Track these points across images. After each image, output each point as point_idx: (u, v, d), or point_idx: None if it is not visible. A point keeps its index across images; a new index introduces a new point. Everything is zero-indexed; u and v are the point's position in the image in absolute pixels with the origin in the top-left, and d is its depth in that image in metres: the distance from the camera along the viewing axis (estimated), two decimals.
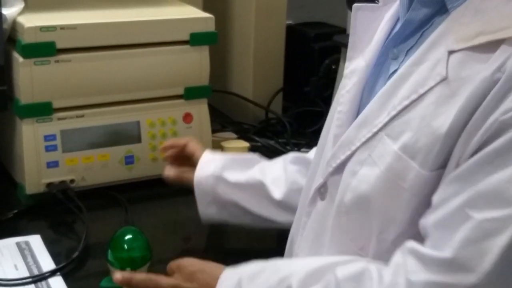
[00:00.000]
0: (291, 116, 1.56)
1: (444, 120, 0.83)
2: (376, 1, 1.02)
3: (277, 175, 1.22)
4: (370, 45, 0.97)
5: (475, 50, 0.83)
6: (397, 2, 0.99)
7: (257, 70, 1.64)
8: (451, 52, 0.85)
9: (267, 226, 1.23)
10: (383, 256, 0.89)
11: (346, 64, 1.00)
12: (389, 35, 0.98)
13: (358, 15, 1.00)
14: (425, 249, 0.82)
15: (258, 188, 1.22)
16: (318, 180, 0.97)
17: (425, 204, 0.86)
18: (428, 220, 0.83)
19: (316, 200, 0.97)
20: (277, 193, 1.21)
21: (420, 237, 0.86)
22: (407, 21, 0.92)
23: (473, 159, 0.80)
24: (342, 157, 0.92)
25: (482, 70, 0.81)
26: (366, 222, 0.90)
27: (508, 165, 0.78)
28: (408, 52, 0.91)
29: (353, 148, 0.91)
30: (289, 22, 1.67)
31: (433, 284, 0.80)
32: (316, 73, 1.59)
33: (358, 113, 0.95)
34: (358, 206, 0.90)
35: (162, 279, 1.01)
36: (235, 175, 1.24)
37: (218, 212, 1.24)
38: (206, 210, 1.25)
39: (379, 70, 0.95)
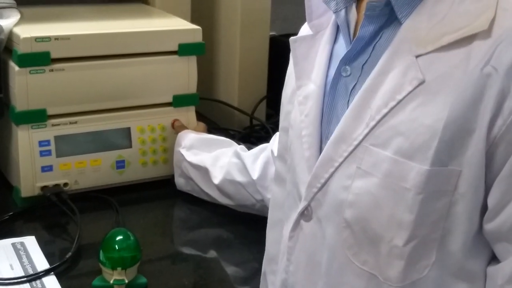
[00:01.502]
0: (274, 122, 1.57)
1: (438, 116, 0.82)
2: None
3: (221, 163, 1.32)
4: (315, 69, 0.97)
5: (443, 49, 0.84)
6: (329, 27, 0.99)
7: (242, 79, 1.66)
8: (418, 56, 0.85)
9: (220, 203, 1.35)
10: (391, 263, 0.88)
11: (298, 92, 1.00)
12: (330, 56, 0.97)
13: (296, 46, 1.01)
14: None
15: (205, 172, 1.32)
16: (300, 205, 0.95)
17: (431, 202, 0.85)
18: (494, 225, 0.83)
19: (299, 224, 0.96)
20: (215, 179, 1.31)
21: (434, 238, 0.85)
22: (358, 39, 0.92)
23: None
24: (326, 175, 0.91)
25: (460, 66, 0.82)
26: (371, 233, 0.89)
27: None
28: (363, 67, 0.91)
29: (336, 164, 0.90)
30: (273, 33, 1.69)
31: None
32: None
33: (321, 133, 0.95)
34: (361, 219, 0.89)
35: None
36: (194, 157, 1.35)
37: (185, 184, 1.38)
38: (178, 180, 1.39)
39: (335, 90, 0.95)
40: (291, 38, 1.01)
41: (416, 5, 0.87)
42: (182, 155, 1.36)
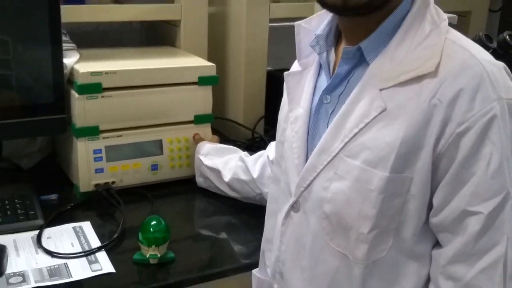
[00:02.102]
0: (270, 135, 1.56)
1: (395, 136, 0.82)
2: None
3: (230, 166, 1.32)
4: (303, 97, 0.97)
5: (401, 85, 0.83)
6: (314, 65, 0.99)
7: (246, 103, 1.66)
8: (382, 90, 0.84)
9: (230, 196, 1.34)
10: (358, 246, 0.87)
11: (290, 114, 0.99)
12: (314, 87, 0.97)
13: (289, 79, 1.01)
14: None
15: (218, 173, 1.32)
16: (290, 200, 0.95)
17: (389, 200, 0.84)
18: (438, 219, 0.83)
19: (290, 214, 0.96)
20: (226, 178, 1.31)
21: (391, 227, 0.85)
22: (336, 75, 0.93)
23: (453, 167, 0.81)
24: (311, 178, 0.92)
25: (414, 98, 0.81)
26: (344, 224, 0.88)
27: (479, 164, 0.79)
28: (340, 96, 0.91)
29: (318, 170, 0.90)
30: (269, 68, 1.69)
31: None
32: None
33: (307, 146, 0.95)
34: (337, 213, 0.88)
35: None
36: (210, 161, 1.35)
37: (203, 182, 1.37)
38: (198, 179, 1.39)
39: (318, 113, 0.95)
40: (285, 73, 1.02)
41: (381, 51, 0.87)
42: (200, 160, 1.36)
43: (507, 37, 1.57)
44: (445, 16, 0.89)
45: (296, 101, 0.98)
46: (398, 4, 0.87)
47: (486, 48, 1.53)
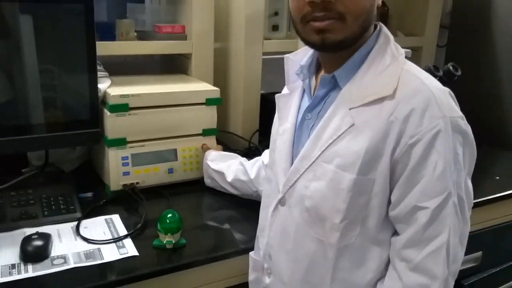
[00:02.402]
0: (263, 145, 1.56)
1: (361, 146, 0.83)
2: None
3: (232, 169, 1.30)
4: (290, 114, 0.99)
5: (366, 105, 0.84)
6: (299, 89, 0.99)
7: (244, 119, 1.66)
8: (351, 109, 0.85)
9: (232, 193, 1.33)
10: (332, 233, 0.87)
11: (279, 128, 1.00)
12: (299, 106, 0.98)
13: (279, 100, 1.03)
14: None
15: (222, 175, 1.30)
16: (278, 196, 0.96)
17: (357, 197, 0.85)
18: (395, 213, 0.84)
19: (278, 207, 0.97)
20: (229, 179, 1.29)
21: (358, 219, 0.86)
22: (315, 97, 0.94)
23: (406, 171, 0.82)
24: (295, 179, 0.93)
25: (376, 115, 0.83)
26: (320, 216, 0.88)
27: (427, 169, 0.80)
28: (318, 114, 0.93)
29: (300, 172, 0.92)
30: (262, 91, 1.68)
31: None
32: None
33: (292, 153, 0.96)
34: (315, 206, 0.89)
35: None
36: (216, 165, 1.33)
37: (210, 182, 1.35)
38: (206, 180, 1.37)
39: (301, 127, 0.96)
40: (276, 95, 1.03)
41: (351, 78, 0.88)
42: (208, 165, 1.36)
43: (451, 68, 1.58)
44: (403, 51, 0.91)
45: (284, 118, 0.99)
46: (365, 41, 0.89)
47: (434, 76, 1.52)
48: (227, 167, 1.31)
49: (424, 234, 0.82)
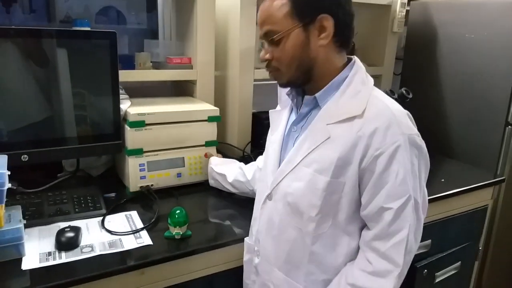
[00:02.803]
0: (255, 153, 1.56)
1: (333, 154, 0.84)
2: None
3: (233, 172, 1.26)
4: (280, 126, 1.00)
5: (340, 122, 0.85)
6: (288, 107, 1.00)
7: (239, 133, 1.65)
8: (328, 124, 0.86)
9: (232, 192, 1.30)
10: (309, 224, 0.87)
11: (271, 138, 1.01)
12: (288, 120, 0.99)
13: (273, 114, 1.05)
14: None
15: (224, 176, 1.27)
16: (267, 191, 0.96)
17: (330, 196, 0.85)
18: (365, 212, 0.84)
19: (266, 202, 0.97)
20: (230, 179, 1.25)
21: (330, 213, 0.86)
22: (300, 114, 0.94)
23: (373, 177, 0.82)
24: (280, 178, 0.93)
25: (347, 131, 0.84)
26: (299, 209, 0.89)
27: (390, 176, 0.81)
28: (302, 127, 0.93)
29: (285, 174, 0.92)
30: (254, 110, 1.68)
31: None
32: (265, 134, 1.61)
33: (280, 158, 0.96)
34: (295, 202, 0.89)
35: None
36: (219, 169, 1.31)
37: (214, 182, 1.32)
38: (210, 181, 1.33)
39: (288, 137, 0.96)
40: (270, 111, 1.05)
41: (329, 99, 0.90)
42: (212, 169, 1.34)
43: (404, 92, 1.59)
44: (372, 79, 0.92)
45: (275, 129, 1.01)
46: (337, 70, 0.89)
47: None
48: (228, 170, 1.30)
49: (389, 229, 0.82)
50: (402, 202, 0.81)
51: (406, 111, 0.88)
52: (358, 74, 0.89)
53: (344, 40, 0.90)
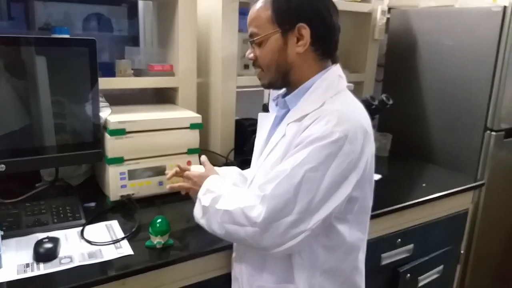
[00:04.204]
0: (238, 161, 1.57)
1: (284, 148, 0.89)
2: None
3: (231, 176, 1.18)
4: (264, 129, 1.05)
5: (296, 121, 0.90)
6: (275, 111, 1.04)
7: (222, 140, 1.65)
8: (288, 124, 0.92)
9: None
10: None
11: (256, 140, 1.05)
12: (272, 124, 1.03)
13: (261, 117, 1.08)
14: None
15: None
16: (250, 181, 1.01)
17: None
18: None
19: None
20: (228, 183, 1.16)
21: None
22: (276, 117, 1.00)
23: (287, 156, 0.87)
24: (253, 176, 1.00)
25: (296, 126, 0.89)
26: None
27: (291, 157, 0.85)
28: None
29: (255, 172, 0.99)
30: (237, 117, 1.68)
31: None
32: (248, 141, 1.60)
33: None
34: None
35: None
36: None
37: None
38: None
39: (268, 140, 1.01)
40: (259, 114, 1.08)
41: (297, 103, 0.93)
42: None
43: (384, 98, 1.62)
44: (345, 84, 0.94)
45: (260, 131, 1.05)
46: (311, 77, 0.92)
47: (371, 104, 1.58)
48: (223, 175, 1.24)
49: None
50: (280, 170, 0.85)
51: (364, 120, 0.89)
52: (326, 81, 0.92)
53: (324, 49, 0.92)
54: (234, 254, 1.07)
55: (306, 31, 0.89)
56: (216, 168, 1.25)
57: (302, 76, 0.93)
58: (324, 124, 0.83)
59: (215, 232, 0.94)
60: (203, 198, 0.96)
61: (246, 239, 0.86)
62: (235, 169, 1.25)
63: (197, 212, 0.99)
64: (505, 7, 1.68)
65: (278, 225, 0.82)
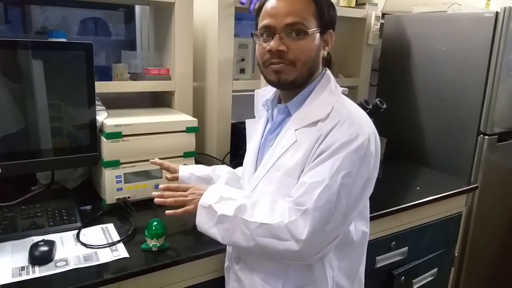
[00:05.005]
0: (234, 164, 1.56)
1: (299, 156, 0.87)
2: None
3: (219, 173, 1.18)
4: (255, 135, 1.03)
5: (306, 126, 0.89)
6: (264, 116, 1.03)
7: (218, 143, 1.65)
8: (296, 130, 0.90)
9: None
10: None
11: (248, 146, 1.04)
12: (264, 129, 1.01)
13: (248, 124, 1.08)
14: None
15: (209, 178, 1.17)
16: (251, 187, 0.97)
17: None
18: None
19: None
20: (218, 183, 1.16)
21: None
22: (273, 122, 0.97)
23: (312, 163, 0.85)
24: (255, 184, 0.95)
25: (311, 133, 0.87)
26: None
27: (323, 165, 0.83)
28: (277, 135, 0.95)
29: (259, 179, 0.95)
30: (232, 121, 1.68)
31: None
32: (244, 144, 1.60)
33: (256, 166, 0.98)
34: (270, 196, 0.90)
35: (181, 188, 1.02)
36: (200, 171, 1.20)
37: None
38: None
39: (264, 147, 0.98)
40: (246, 120, 1.07)
41: (299, 107, 0.93)
42: (192, 173, 1.24)
43: (378, 102, 1.63)
44: (340, 88, 0.95)
45: (251, 138, 1.04)
46: (312, 81, 0.92)
47: (365, 108, 1.59)
48: (212, 172, 1.21)
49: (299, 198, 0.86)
50: (316, 180, 0.83)
51: (369, 120, 0.91)
52: (326, 84, 0.94)
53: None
54: (227, 263, 1.06)
55: (332, 38, 0.93)
56: (205, 167, 1.24)
57: (311, 79, 0.94)
58: (347, 128, 0.83)
59: (237, 243, 0.88)
60: (218, 207, 0.90)
61: (283, 253, 0.83)
62: (225, 168, 1.23)
63: (205, 221, 0.92)
64: (497, 13, 1.69)
65: (320, 235, 0.82)
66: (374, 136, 0.88)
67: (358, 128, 0.84)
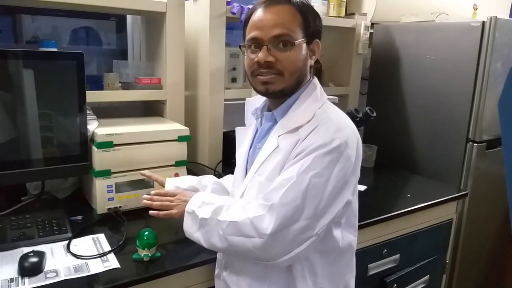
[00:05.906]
0: (226, 173, 1.56)
1: (278, 161, 0.88)
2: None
3: (205, 183, 1.18)
4: (245, 143, 1.03)
5: (289, 132, 0.90)
6: (254, 124, 1.04)
7: (210, 152, 1.65)
8: (279, 136, 0.92)
9: None
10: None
11: (237, 154, 1.05)
12: (253, 137, 1.03)
13: (238, 131, 1.09)
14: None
15: (195, 190, 1.17)
16: (239, 194, 0.98)
17: None
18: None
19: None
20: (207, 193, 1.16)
21: None
22: (261, 130, 0.99)
23: (287, 165, 0.86)
24: (243, 190, 0.95)
25: (291, 139, 0.88)
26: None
27: (295, 165, 0.85)
28: (265, 143, 0.95)
29: (245, 186, 0.96)
30: (224, 130, 1.68)
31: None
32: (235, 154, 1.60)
33: (246, 172, 0.99)
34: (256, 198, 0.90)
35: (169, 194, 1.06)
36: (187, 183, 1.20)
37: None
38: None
39: (253, 154, 0.99)
40: (236, 128, 1.08)
41: (284, 114, 0.94)
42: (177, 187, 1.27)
43: (368, 110, 1.64)
44: (326, 96, 0.97)
45: (240, 145, 1.05)
46: (297, 89, 0.93)
47: (355, 117, 1.59)
48: (198, 183, 1.21)
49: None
50: (285, 177, 0.84)
51: (355, 127, 0.93)
52: (311, 92, 0.95)
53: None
54: (217, 271, 1.05)
55: (319, 47, 0.95)
56: (192, 178, 1.24)
57: (298, 88, 0.95)
58: (323, 131, 0.85)
59: (214, 245, 0.91)
60: (199, 211, 0.93)
61: (252, 251, 0.84)
62: (210, 178, 1.22)
63: (190, 226, 0.96)
64: (483, 22, 1.72)
65: (286, 232, 0.82)
66: (356, 142, 0.88)
67: (335, 132, 0.85)
